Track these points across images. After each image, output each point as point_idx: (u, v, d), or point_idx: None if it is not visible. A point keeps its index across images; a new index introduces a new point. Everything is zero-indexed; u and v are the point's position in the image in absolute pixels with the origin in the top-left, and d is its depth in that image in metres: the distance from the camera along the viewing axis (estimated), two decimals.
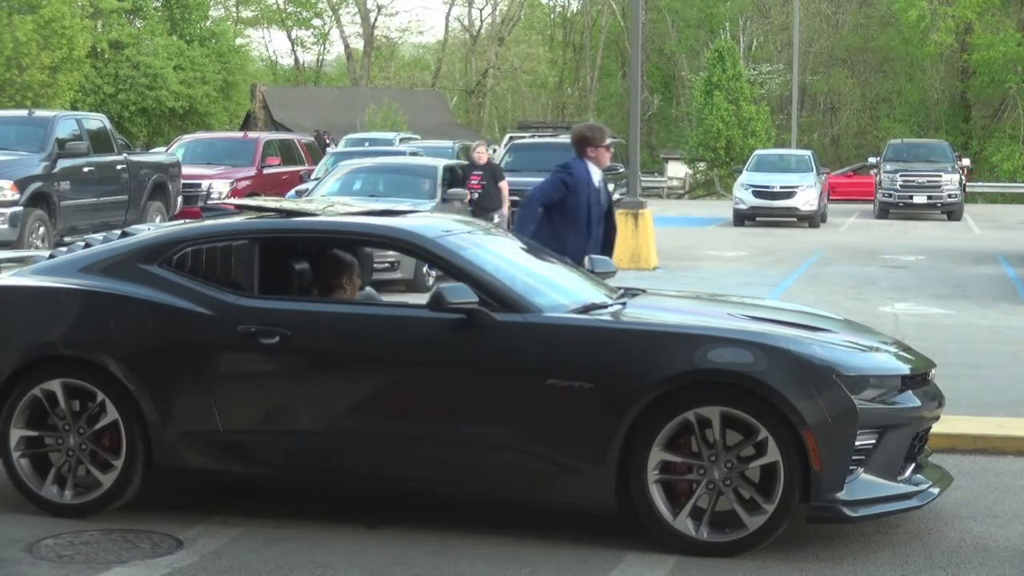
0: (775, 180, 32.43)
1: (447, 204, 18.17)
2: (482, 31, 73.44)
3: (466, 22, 74.99)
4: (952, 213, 35.80)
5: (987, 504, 7.43)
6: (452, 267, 6.87)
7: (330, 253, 7.60)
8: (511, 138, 37.08)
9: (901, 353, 7.12)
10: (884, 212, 36.03)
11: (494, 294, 6.67)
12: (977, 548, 6.62)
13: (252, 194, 23.94)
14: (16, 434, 7.03)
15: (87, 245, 7.56)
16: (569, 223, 9.72)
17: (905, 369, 6.81)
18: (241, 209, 8.19)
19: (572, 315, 6.74)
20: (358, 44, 73.03)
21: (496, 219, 18.78)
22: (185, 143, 27.74)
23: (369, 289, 7.78)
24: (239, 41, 62.29)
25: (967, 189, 40.03)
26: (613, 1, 67.96)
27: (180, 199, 23.10)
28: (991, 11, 58.02)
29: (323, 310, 7.01)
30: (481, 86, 71.96)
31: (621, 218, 21.11)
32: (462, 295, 6.56)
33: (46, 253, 8.11)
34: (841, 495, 6.34)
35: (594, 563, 6.31)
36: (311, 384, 6.79)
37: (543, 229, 9.65)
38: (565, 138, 30.16)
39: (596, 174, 9.85)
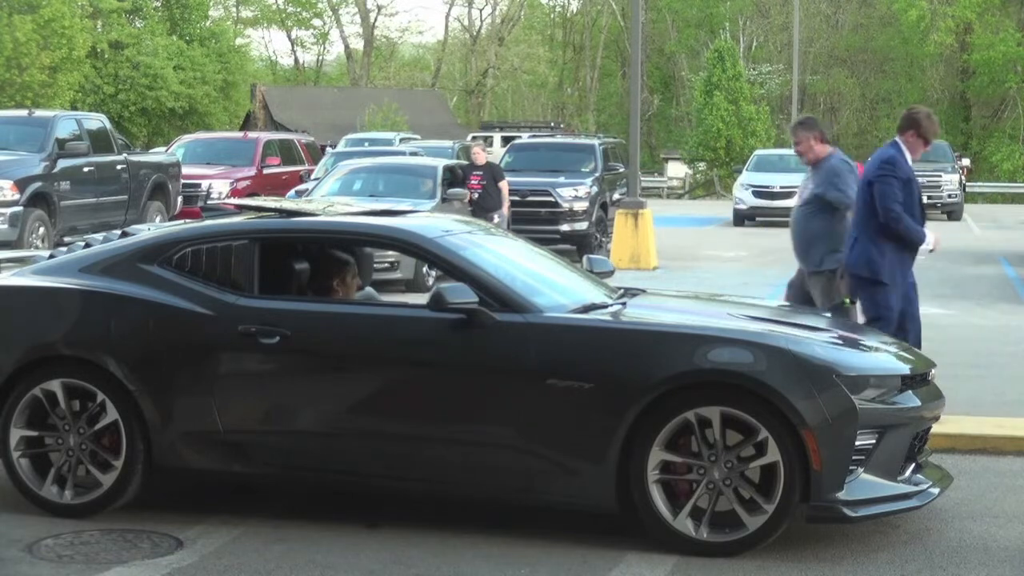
0: (775, 180, 32.38)
1: (447, 204, 18.16)
2: (482, 31, 73.45)
3: (466, 22, 75.06)
4: (952, 213, 35.76)
5: (987, 504, 7.43)
6: (452, 267, 6.87)
7: (330, 253, 7.60)
8: (473, 138, 37.14)
9: (901, 353, 7.13)
10: None
11: (494, 294, 6.67)
12: (977, 548, 6.62)
13: (252, 194, 23.92)
14: (16, 434, 7.03)
15: (87, 245, 7.56)
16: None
17: (905, 369, 6.81)
18: (241, 209, 8.19)
19: (572, 315, 6.73)
20: (358, 44, 73.10)
21: (496, 219, 18.77)
22: (185, 143, 27.71)
23: (369, 289, 7.77)
24: (239, 41, 62.36)
25: (967, 189, 40.01)
26: (613, 1, 67.96)
27: (180, 199, 23.08)
28: (991, 11, 58.02)
29: (323, 310, 7.01)
30: (481, 86, 71.95)
31: (620, 218, 21.14)
32: (462, 295, 6.56)
33: (46, 253, 8.10)
34: (841, 495, 6.34)
35: (594, 563, 6.30)
36: (311, 384, 6.78)
37: (879, 236, 8.73)
38: (564, 138, 30.26)
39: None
